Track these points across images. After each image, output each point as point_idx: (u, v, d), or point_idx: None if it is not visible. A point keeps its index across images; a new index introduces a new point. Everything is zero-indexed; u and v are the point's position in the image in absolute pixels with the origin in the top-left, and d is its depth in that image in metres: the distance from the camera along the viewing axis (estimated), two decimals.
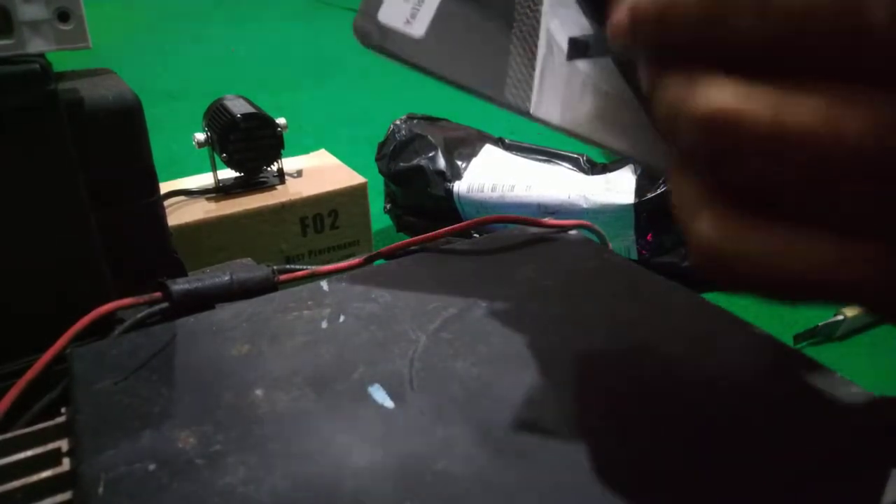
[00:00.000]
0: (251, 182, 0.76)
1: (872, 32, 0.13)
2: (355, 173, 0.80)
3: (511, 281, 0.38)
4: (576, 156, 0.89)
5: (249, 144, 0.73)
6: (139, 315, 0.35)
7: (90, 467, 0.25)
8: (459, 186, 0.84)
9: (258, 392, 0.29)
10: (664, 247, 0.79)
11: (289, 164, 0.81)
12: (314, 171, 0.81)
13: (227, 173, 0.77)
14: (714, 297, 0.34)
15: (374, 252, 0.41)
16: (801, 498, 0.26)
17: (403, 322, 0.34)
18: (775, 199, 0.15)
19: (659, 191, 0.78)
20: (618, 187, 0.80)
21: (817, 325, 0.67)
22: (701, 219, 0.17)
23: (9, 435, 0.29)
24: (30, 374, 0.31)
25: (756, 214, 0.16)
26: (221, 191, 0.74)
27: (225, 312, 0.35)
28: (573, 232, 0.44)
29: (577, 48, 0.24)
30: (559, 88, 0.24)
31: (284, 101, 1.60)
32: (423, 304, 0.36)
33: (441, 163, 0.86)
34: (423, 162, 0.86)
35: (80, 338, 0.33)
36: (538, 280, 0.38)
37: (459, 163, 0.87)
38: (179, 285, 0.37)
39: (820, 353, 0.67)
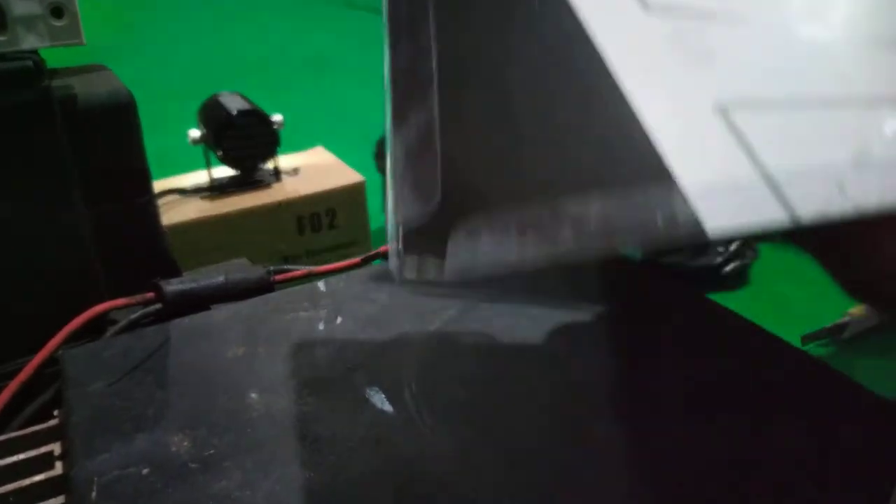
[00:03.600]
0: (247, 180, 0.76)
1: None
2: (353, 171, 0.79)
3: (511, 281, 0.37)
4: None
5: (245, 142, 0.73)
6: (132, 316, 0.35)
7: (83, 471, 0.25)
8: None
9: (253, 395, 0.29)
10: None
11: (285, 161, 0.81)
12: (311, 169, 0.80)
13: (222, 171, 0.76)
14: (720, 297, 0.33)
15: (372, 252, 0.41)
16: (809, 498, 0.25)
17: (401, 323, 0.34)
18: None
19: None
20: None
21: (824, 327, 0.67)
22: None
23: (1, 438, 0.28)
24: (21, 377, 0.31)
25: None
26: (216, 189, 0.74)
27: (220, 313, 0.35)
28: None
29: None
30: None
31: (281, 98, 1.60)
32: (421, 305, 0.35)
33: None
34: None
35: (72, 339, 0.33)
36: (538, 280, 0.38)
37: None
38: (173, 286, 0.36)
39: (827, 354, 0.66)
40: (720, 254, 0.79)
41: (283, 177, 0.78)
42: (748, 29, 0.17)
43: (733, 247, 0.79)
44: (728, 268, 0.78)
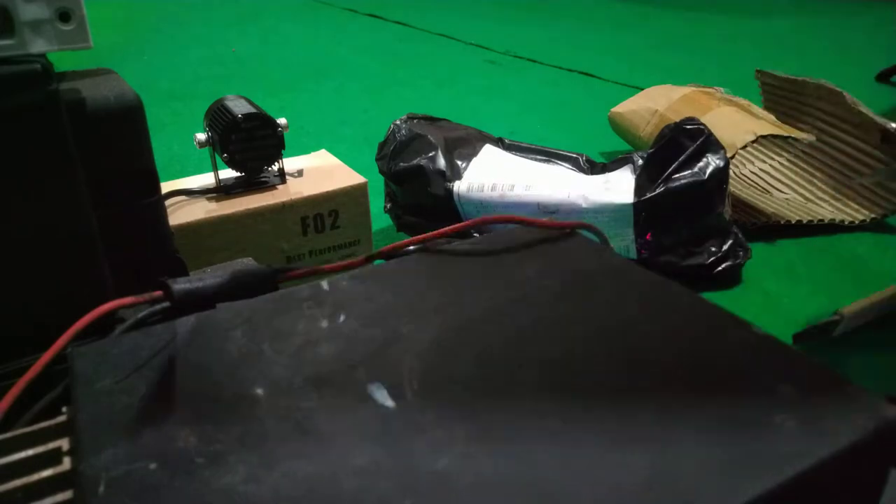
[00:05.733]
0: (252, 182, 0.76)
1: None
2: (355, 173, 0.80)
3: (511, 281, 0.38)
4: (575, 156, 0.89)
5: (250, 144, 0.73)
6: (140, 314, 0.35)
7: (91, 466, 0.25)
8: (459, 186, 0.84)
9: (258, 391, 0.29)
10: (663, 246, 0.79)
11: (290, 164, 0.81)
12: (315, 171, 0.81)
13: (229, 173, 0.77)
14: (713, 297, 0.34)
15: (374, 252, 0.41)
16: (801, 497, 0.26)
17: (403, 321, 0.34)
18: None
19: (658, 191, 0.78)
20: (617, 187, 0.80)
21: (816, 325, 0.67)
22: None
23: (9, 434, 0.29)
24: (30, 374, 0.31)
25: None
26: (222, 190, 0.74)
27: (225, 312, 0.35)
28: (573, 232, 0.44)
29: None
30: None
31: (285, 102, 1.60)
32: (423, 303, 0.36)
33: (441, 163, 0.86)
34: (423, 162, 0.86)
35: (80, 337, 0.33)
36: (538, 280, 0.38)
37: (459, 162, 0.87)
38: (180, 284, 0.37)
39: (819, 352, 0.67)
40: (713, 253, 0.79)
41: (288, 178, 0.78)
42: None
43: (726, 246, 0.79)
44: (721, 267, 0.78)
